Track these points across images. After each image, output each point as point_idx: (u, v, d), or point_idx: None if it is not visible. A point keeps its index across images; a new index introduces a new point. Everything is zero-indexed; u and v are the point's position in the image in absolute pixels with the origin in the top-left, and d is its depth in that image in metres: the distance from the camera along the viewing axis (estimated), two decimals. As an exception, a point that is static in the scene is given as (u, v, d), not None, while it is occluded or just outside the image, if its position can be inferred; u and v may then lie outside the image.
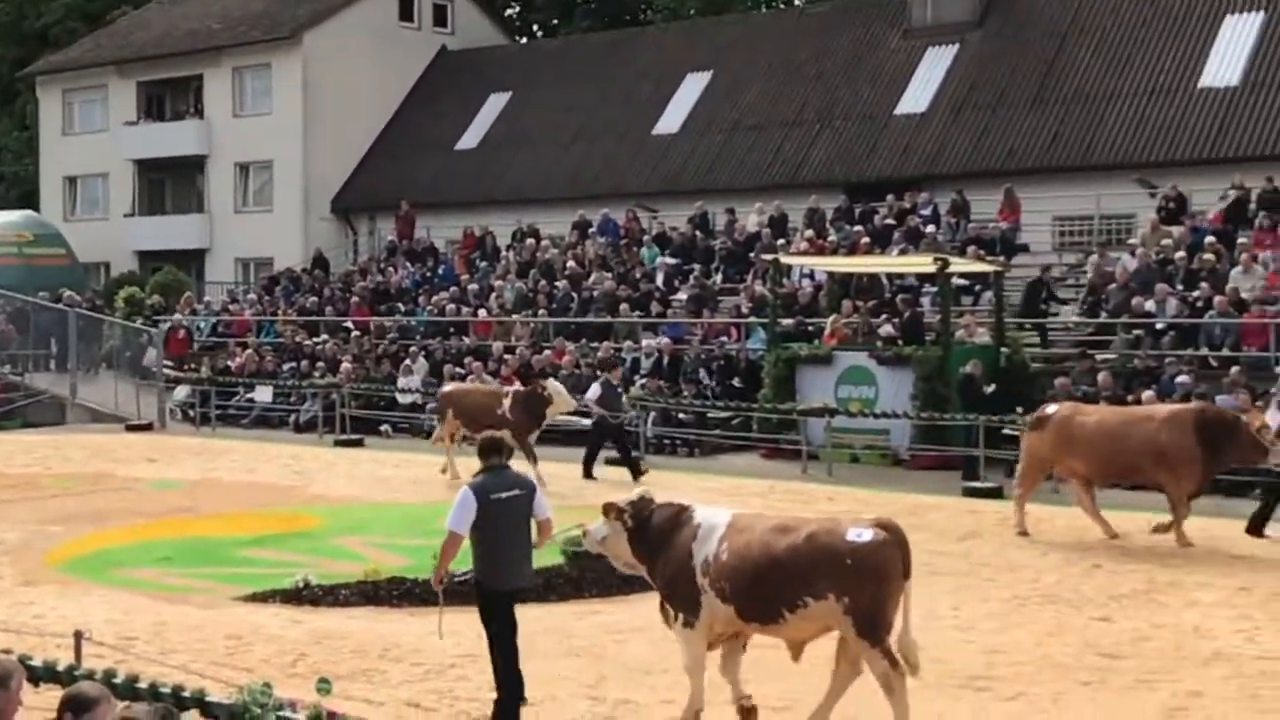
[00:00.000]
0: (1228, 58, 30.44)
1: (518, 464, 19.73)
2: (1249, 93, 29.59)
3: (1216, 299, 23.29)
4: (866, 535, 9.12)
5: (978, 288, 27.33)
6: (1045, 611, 13.12)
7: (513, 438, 20.85)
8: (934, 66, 34.77)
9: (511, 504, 9.74)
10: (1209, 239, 25.34)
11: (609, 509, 9.95)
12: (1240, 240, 25.23)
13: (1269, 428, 16.25)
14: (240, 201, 44.75)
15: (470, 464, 20.94)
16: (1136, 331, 24.00)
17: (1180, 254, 25.34)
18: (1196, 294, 23.90)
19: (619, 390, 23.18)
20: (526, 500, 9.83)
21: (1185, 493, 16.15)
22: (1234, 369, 21.20)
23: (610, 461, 22.35)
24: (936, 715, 9.98)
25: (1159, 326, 23.91)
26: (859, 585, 9.00)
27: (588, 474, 21.76)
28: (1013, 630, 12.42)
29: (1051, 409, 17.44)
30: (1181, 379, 21.32)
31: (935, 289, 25.53)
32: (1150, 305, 24.18)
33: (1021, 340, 24.72)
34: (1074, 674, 11.06)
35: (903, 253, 28.12)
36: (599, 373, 24.34)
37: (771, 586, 9.27)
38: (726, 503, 12.69)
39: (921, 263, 25.56)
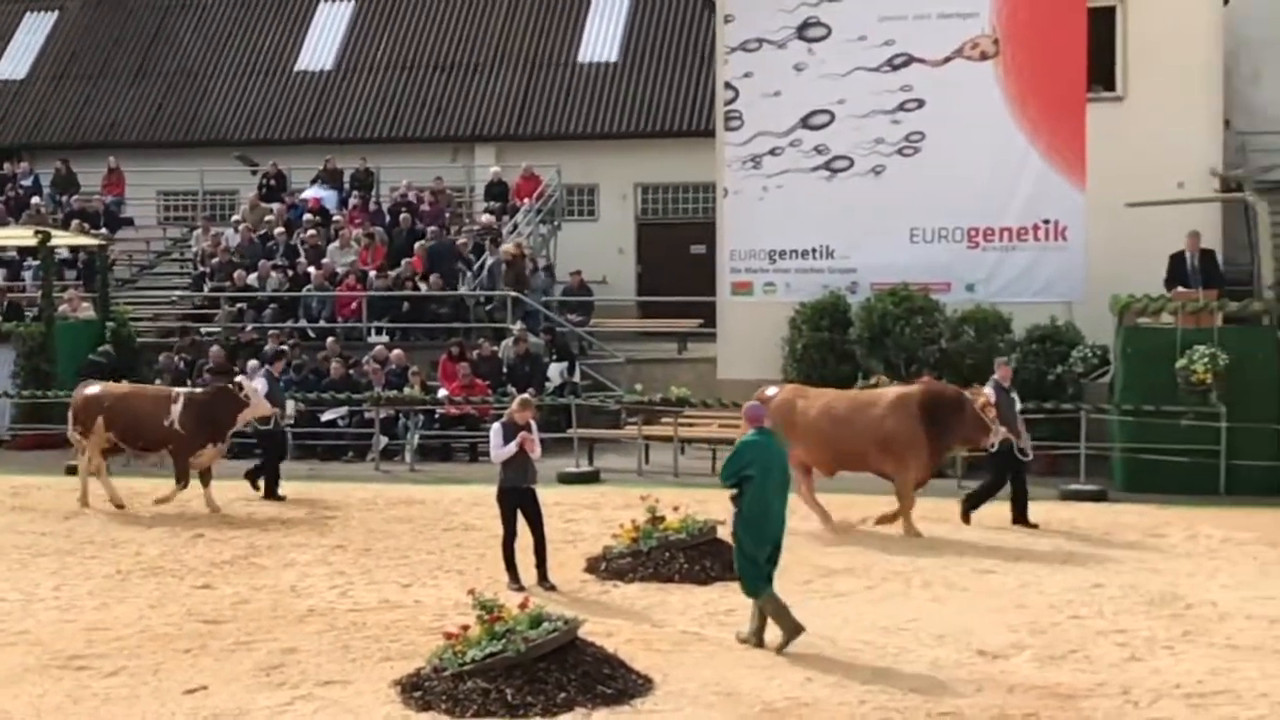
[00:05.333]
0: (322, 43, 32.02)
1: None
2: (342, 78, 31.33)
3: (314, 273, 24.65)
4: None
5: (82, 262, 26.93)
6: (148, 584, 13.46)
7: (172, 452, 17.05)
8: (33, 32, 33.61)
9: None
10: (307, 215, 26.71)
11: None
12: (336, 218, 26.80)
13: (991, 405, 15.35)
14: None
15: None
16: (240, 304, 24.84)
17: (280, 230, 26.49)
18: (295, 269, 25.14)
19: (282, 385, 18.94)
20: None
21: (914, 481, 15.31)
22: (330, 339, 22.64)
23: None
24: (35, 698, 10.04)
25: (261, 299, 24.92)
26: None
27: (270, 493, 17.88)
28: (115, 606, 12.65)
29: (771, 391, 16.18)
30: (281, 348, 22.46)
31: (37, 263, 24.90)
32: (253, 279, 25.11)
33: (128, 314, 24.77)
34: (175, 642, 11.50)
35: (2, 225, 27.09)
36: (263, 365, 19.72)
37: None
38: None
39: (22, 235, 24.92)
